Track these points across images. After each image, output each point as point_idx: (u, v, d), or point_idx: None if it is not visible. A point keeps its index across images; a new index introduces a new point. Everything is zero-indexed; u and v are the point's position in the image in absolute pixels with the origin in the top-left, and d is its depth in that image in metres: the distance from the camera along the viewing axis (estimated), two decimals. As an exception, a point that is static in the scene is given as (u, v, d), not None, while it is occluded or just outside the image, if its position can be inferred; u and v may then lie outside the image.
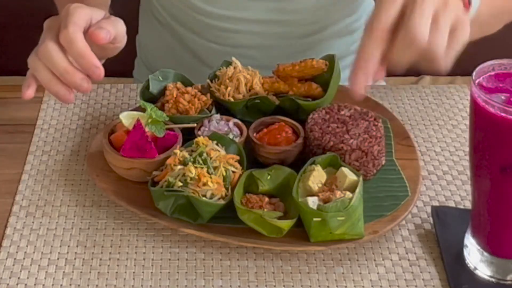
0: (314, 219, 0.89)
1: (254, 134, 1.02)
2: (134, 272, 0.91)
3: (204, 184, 0.92)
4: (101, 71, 0.98)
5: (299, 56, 1.11)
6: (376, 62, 0.90)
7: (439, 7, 0.89)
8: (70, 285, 0.89)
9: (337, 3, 1.31)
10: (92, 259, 0.92)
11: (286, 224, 0.90)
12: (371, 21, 0.90)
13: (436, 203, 1.00)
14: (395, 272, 0.91)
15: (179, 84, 1.08)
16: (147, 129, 0.97)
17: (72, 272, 0.91)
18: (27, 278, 0.90)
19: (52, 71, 0.98)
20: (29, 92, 1.00)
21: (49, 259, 0.92)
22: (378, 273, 0.91)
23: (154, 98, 1.08)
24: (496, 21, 1.17)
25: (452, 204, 1.00)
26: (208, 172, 0.93)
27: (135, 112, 1.01)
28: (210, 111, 1.06)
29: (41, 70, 0.98)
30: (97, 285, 0.89)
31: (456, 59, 0.90)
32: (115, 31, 1.01)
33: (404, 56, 0.89)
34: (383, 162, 1.01)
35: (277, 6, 1.28)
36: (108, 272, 0.91)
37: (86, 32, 0.98)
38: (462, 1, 0.95)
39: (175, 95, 1.05)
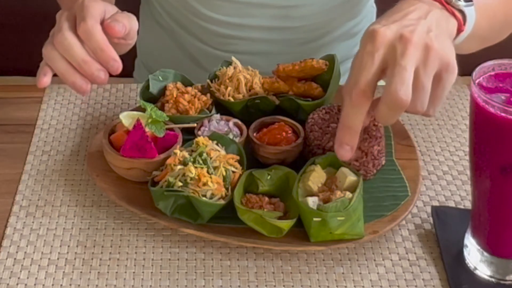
0: (314, 219, 0.89)
1: (254, 134, 1.02)
2: (134, 272, 0.91)
3: (204, 184, 0.92)
4: (119, 64, 0.97)
5: None
6: (359, 128, 0.90)
7: (420, 61, 0.86)
8: (70, 285, 0.89)
9: (340, 8, 1.30)
10: (92, 259, 0.92)
11: (286, 224, 0.90)
12: (350, 85, 0.88)
13: (436, 203, 1.00)
14: (395, 272, 0.91)
15: (179, 84, 1.08)
16: (147, 129, 0.97)
17: (72, 272, 0.91)
18: (27, 278, 0.90)
19: (69, 61, 0.97)
20: (46, 79, 0.98)
21: (49, 259, 0.92)
22: (378, 273, 0.91)
23: (154, 98, 1.08)
24: (498, 34, 1.16)
25: (452, 204, 1.00)
26: (208, 172, 0.93)
27: (135, 112, 1.01)
28: (210, 111, 1.06)
29: (57, 60, 0.97)
30: (97, 285, 0.89)
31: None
32: (129, 25, 1.00)
33: (388, 117, 0.88)
34: (383, 162, 1.01)
35: (281, 13, 1.27)
36: (108, 272, 0.91)
37: (101, 25, 0.98)
38: (456, 24, 0.94)
39: (175, 95, 1.05)
